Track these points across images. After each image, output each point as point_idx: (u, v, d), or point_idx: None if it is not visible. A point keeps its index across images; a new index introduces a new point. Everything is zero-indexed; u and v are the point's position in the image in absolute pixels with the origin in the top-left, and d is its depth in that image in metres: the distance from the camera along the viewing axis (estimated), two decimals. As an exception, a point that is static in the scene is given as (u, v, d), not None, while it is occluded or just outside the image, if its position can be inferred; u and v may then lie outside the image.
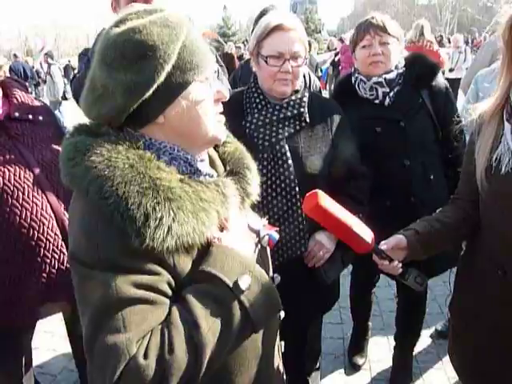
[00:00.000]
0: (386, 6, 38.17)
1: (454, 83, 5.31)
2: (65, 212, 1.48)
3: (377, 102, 1.75)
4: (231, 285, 0.77)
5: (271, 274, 1.04)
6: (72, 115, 7.40)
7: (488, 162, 1.15)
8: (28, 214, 1.41)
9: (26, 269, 1.45)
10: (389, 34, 1.67)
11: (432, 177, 1.75)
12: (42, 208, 1.44)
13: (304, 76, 2.21)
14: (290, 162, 1.39)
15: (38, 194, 1.44)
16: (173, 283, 0.77)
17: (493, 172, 1.13)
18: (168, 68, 0.76)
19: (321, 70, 9.50)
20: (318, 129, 1.47)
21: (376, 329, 2.50)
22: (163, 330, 0.72)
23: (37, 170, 1.45)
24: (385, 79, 1.71)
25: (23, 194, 1.41)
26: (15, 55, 12.16)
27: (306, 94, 1.48)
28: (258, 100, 1.47)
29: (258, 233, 0.98)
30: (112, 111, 0.78)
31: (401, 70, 1.76)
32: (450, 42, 10.58)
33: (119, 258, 0.73)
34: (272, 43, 1.39)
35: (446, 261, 1.63)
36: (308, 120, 1.45)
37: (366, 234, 1.15)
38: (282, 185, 1.39)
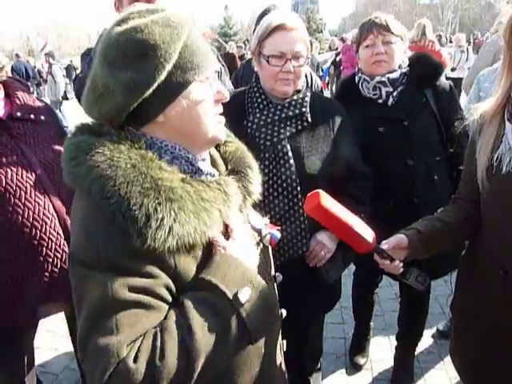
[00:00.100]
0: (388, 6, 38.13)
1: (456, 83, 5.28)
2: (67, 211, 1.48)
3: (380, 101, 1.75)
4: (231, 297, 0.77)
5: (273, 272, 1.04)
6: (73, 115, 7.44)
7: (489, 162, 1.15)
8: (30, 213, 1.42)
9: (28, 268, 1.45)
10: (392, 33, 1.67)
11: (436, 177, 1.73)
12: (44, 207, 1.45)
13: (306, 76, 2.20)
14: (291, 161, 1.39)
15: (40, 193, 1.44)
16: (172, 287, 0.77)
17: (494, 172, 1.13)
18: (169, 67, 0.76)
19: (322, 70, 9.51)
20: (320, 129, 1.47)
21: (377, 329, 2.50)
22: (156, 335, 0.72)
23: (39, 170, 1.46)
24: (388, 79, 1.70)
25: (25, 193, 1.41)
26: (17, 55, 12.17)
27: (308, 94, 1.48)
28: (259, 100, 1.47)
29: (259, 232, 0.98)
30: (112, 110, 0.78)
31: (404, 70, 1.75)
32: (451, 41, 10.56)
33: (119, 259, 0.73)
34: (274, 43, 1.39)
35: (449, 263, 1.62)
36: (310, 120, 1.45)
37: (367, 233, 1.15)
38: (284, 184, 1.39)
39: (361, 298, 2.33)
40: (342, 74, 8.15)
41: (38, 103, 1.61)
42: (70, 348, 2.06)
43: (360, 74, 1.78)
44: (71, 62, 19.20)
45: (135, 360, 0.69)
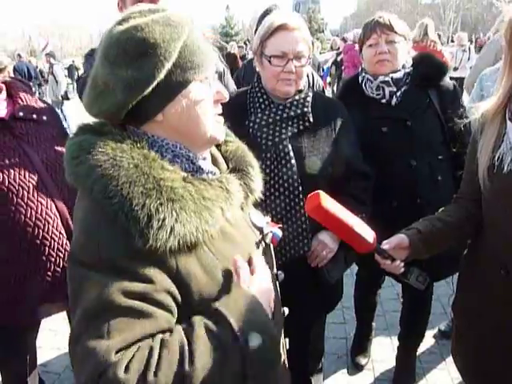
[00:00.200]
0: (390, 5, 38.11)
1: (458, 82, 5.28)
2: (69, 211, 1.48)
3: (383, 101, 1.74)
4: (241, 340, 0.74)
5: (275, 271, 1.04)
6: (74, 115, 7.45)
7: (490, 161, 1.15)
8: (33, 212, 1.42)
9: (31, 267, 1.46)
10: (395, 32, 1.66)
11: (439, 178, 1.72)
12: (46, 207, 1.45)
13: (307, 76, 2.20)
14: (293, 161, 1.39)
15: (42, 193, 1.45)
16: (175, 291, 0.76)
17: (495, 171, 1.13)
18: (168, 66, 0.76)
19: (322, 70, 9.51)
20: (322, 129, 1.47)
21: (379, 329, 2.50)
22: (153, 349, 0.70)
23: (41, 169, 1.47)
24: (392, 78, 1.69)
25: (28, 193, 1.42)
26: (19, 55, 12.20)
27: (310, 94, 1.48)
28: (261, 100, 1.47)
29: (261, 230, 0.98)
30: (112, 107, 0.78)
31: (408, 70, 1.74)
32: (452, 40, 10.51)
33: (120, 259, 0.72)
34: (275, 43, 1.39)
35: (451, 264, 1.62)
36: (311, 120, 1.45)
37: (368, 233, 1.15)
38: (285, 184, 1.39)
39: (363, 299, 2.33)
40: (343, 74, 8.14)
41: (40, 103, 1.62)
42: (72, 347, 2.06)
43: (363, 74, 1.78)
44: (73, 62, 19.27)
45: (126, 370, 0.66)
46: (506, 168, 1.11)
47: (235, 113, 1.34)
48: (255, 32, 1.76)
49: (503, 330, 1.18)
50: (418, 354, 2.22)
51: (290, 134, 1.42)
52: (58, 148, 1.54)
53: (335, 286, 1.58)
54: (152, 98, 0.77)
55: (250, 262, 0.87)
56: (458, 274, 1.44)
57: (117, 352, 0.68)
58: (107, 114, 0.80)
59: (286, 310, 1.05)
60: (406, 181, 1.70)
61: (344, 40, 8.87)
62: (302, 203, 1.39)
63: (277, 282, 1.04)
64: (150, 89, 0.76)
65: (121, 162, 0.74)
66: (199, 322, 0.75)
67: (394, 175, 1.68)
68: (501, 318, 1.18)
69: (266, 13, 2.26)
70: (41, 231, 1.44)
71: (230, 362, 0.73)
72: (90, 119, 0.86)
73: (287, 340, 1.09)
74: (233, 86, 2.13)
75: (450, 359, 2.00)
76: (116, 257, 0.73)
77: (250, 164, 0.96)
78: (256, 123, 1.43)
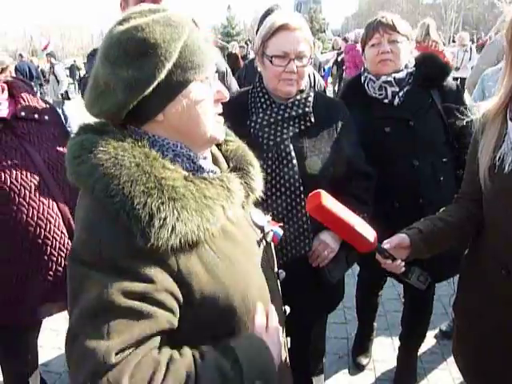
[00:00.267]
0: (391, 5, 38.03)
1: (459, 82, 5.25)
2: (71, 210, 1.49)
3: (386, 101, 1.74)
4: None
5: (276, 269, 1.04)
6: (75, 115, 7.46)
7: (491, 161, 1.15)
8: (35, 212, 1.43)
9: (32, 267, 1.46)
10: (398, 32, 1.66)
11: (441, 178, 1.72)
12: (48, 206, 1.45)
13: (309, 76, 2.20)
14: (294, 161, 1.39)
15: (44, 192, 1.45)
16: (176, 291, 0.76)
17: (496, 171, 1.13)
18: (169, 66, 0.77)
19: (323, 70, 9.51)
20: (323, 129, 1.47)
21: (380, 329, 2.50)
22: (161, 365, 0.70)
23: (43, 169, 1.47)
24: (394, 78, 1.69)
25: (30, 192, 1.42)
26: (21, 55, 12.21)
27: (311, 94, 1.48)
28: (262, 100, 1.47)
29: (262, 229, 0.99)
30: (113, 107, 0.78)
31: (410, 70, 1.74)
32: (454, 40, 10.47)
33: (121, 258, 0.73)
34: (277, 43, 1.39)
35: (453, 265, 1.61)
36: (313, 120, 1.45)
37: (369, 233, 1.15)
38: (287, 184, 1.39)
39: (365, 300, 2.33)
40: (344, 74, 8.13)
41: (42, 103, 1.62)
42: (73, 347, 2.06)
43: (366, 74, 1.77)
44: (74, 61, 19.29)
45: (131, 378, 0.67)
46: (506, 168, 1.11)
47: (237, 112, 1.34)
48: (256, 32, 1.76)
49: (504, 330, 1.18)
50: (419, 354, 2.22)
51: (291, 133, 1.42)
52: (60, 148, 1.54)
53: (336, 286, 1.58)
54: (152, 97, 0.77)
55: (266, 314, 0.89)
56: (459, 273, 1.44)
57: (116, 353, 0.68)
58: (108, 113, 0.81)
59: (288, 309, 1.06)
60: (408, 181, 1.70)
61: (345, 40, 8.86)
62: (303, 203, 1.39)
63: (278, 281, 1.04)
64: (151, 89, 0.76)
65: (122, 160, 0.75)
66: (211, 354, 0.76)
67: (397, 175, 1.68)
68: (502, 318, 1.18)
69: (268, 13, 2.26)
70: (42, 231, 1.44)
71: None
72: (91, 119, 0.86)
73: (289, 339, 1.09)
74: (236, 86, 2.13)
75: (451, 359, 2.00)
76: (117, 255, 0.73)
77: (250, 163, 0.97)
78: (257, 123, 1.43)
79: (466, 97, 1.82)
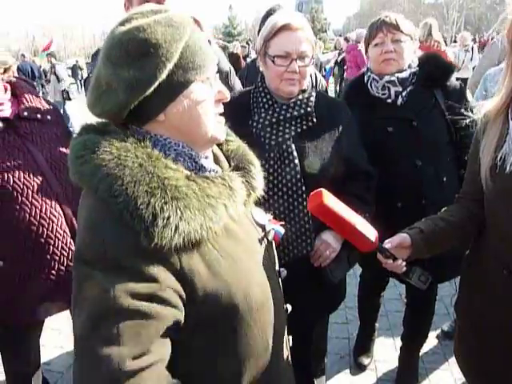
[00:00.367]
0: (393, 5, 38.00)
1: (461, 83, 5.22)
2: (73, 210, 1.49)
3: (389, 101, 1.73)
4: None
5: (277, 268, 1.04)
6: (76, 115, 7.47)
7: (493, 161, 1.15)
8: (37, 211, 1.43)
9: (35, 266, 1.47)
10: (402, 31, 1.65)
11: (445, 178, 1.71)
12: (51, 206, 1.46)
13: (310, 76, 2.20)
14: (296, 161, 1.39)
15: (47, 192, 1.46)
16: (180, 289, 0.77)
17: (497, 171, 1.13)
18: (170, 66, 0.77)
19: (325, 70, 9.51)
20: (325, 129, 1.47)
21: (382, 329, 2.50)
22: None
23: (46, 169, 1.47)
24: (397, 78, 1.69)
25: (33, 192, 1.43)
26: (23, 55, 12.24)
27: (313, 94, 1.48)
28: (265, 100, 1.47)
29: (263, 227, 0.99)
30: (115, 107, 0.79)
31: (414, 70, 1.73)
32: (455, 41, 10.41)
33: (125, 257, 0.73)
34: (279, 43, 1.39)
35: (455, 266, 1.61)
36: (315, 120, 1.45)
37: (370, 232, 1.15)
38: (289, 184, 1.39)
39: (367, 300, 2.32)
40: (345, 74, 8.12)
41: (45, 103, 1.63)
42: (75, 346, 2.07)
43: (369, 74, 1.77)
44: (77, 61, 19.32)
45: None
46: (508, 168, 1.11)
47: (239, 112, 1.35)
48: (258, 32, 1.77)
49: (505, 330, 1.18)
50: (420, 354, 2.22)
51: (293, 133, 1.42)
52: (62, 147, 1.55)
53: (338, 285, 1.58)
54: (154, 98, 0.78)
55: None
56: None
57: (131, 359, 0.69)
58: (110, 113, 0.81)
59: (289, 307, 1.06)
60: (411, 181, 1.69)
61: (346, 40, 8.85)
62: (304, 203, 1.39)
63: (279, 279, 1.05)
64: (152, 89, 0.76)
65: (125, 161, 0.75)
66: None
67: (400, 175, 1.68)
68: (503, 318, 1.18)
69: (270, 13, 2.27)
70: (45, 230, 1.45)
71: None
72: (93, 119, 0.87)
73: (290, 337, 1.10)
74: (239, 86, 2.13)
75: (452, 360, 2.00)
76: (121, 255, 0.73)
77: (251, 162, 0.97)
78: (259, 123, 1.43)
79: (468, 97, 1.81)
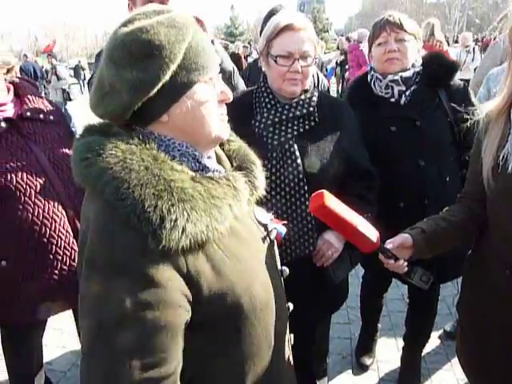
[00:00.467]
0: (395, 5, 37.90)
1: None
2: (76, 209, 1.49)
3: (392, 100, 1.73)
4: None
5: (279, 267, 1.05)
6: (79, 115, 7.48)
7: (494, 161, 1.15)
8: (40, 211, 1.43)
9: (38, 266, 1.47)
10: (405, 31, 1.65)
11: (447, 179, 1.71)
12: (53, 206, 1.46)
13: (312, 75, 2.20)
14: (298, 161, 1.39)
15: (49, 192, 1.46)
16: (186, 291, 0.77)
17: (499, 171, 1.13)
18: (173, 67, 0.77)
19: (326, 70, 9.51)
20: (327, 128, 1.47)
21: (384, 329, 2.49)
22: None
23: (48, 169, 1.48)
24: (401, 77, 1.68)
25: (35, 191, 1.43)
26: (25, 55, 12.27)
27: (316, 94, 1.48)
28: (267, 99, 1.47)
29: (265, 226, 0.99)
30: (118, 108, 0.79)
31: (418, 69, 1.72)
32: (456, 41, 10.36)
33: (133, 260, 0.73)
34: (281, 43, 1.39)
35: (458, 266, 1.61)
36: (317, 119, 1.45)
37: (372, 233, 1.15)
38: (291, 184, 1.39)
39: (369, 301, 2.32)
40: (346, 74, 8.11)
41: (47, 104, 1.63)
42: (77, 346, 2.08)
43: (372, 73, 1.77)
44: (79, 62, 19.35)
45: None
46: (510, 168, 1.11)
47: (241, 112, 1.35)
48: (260, 32, 1.77)
49: (507, 329, 1.18)
50: (423, 354, 2.21)
51: (295, 133, 1.43)
52: (65, 147, 1.55)
53: (340, 285, 1.58)
54: (157, 99, 0.78)
55: None
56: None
57: (142, 370, 0.70)
58: (113, 114, 0.81)
59: (291, 306, 1.06)
60: (414, 181, 1.69)
61: (348, 39, 8.84)
62: (307, 203, 1.39)
63: (281, 278, 1.05)
64: (155, 90, 0.77)
65: (131, 164, 0.75)
66: None
67: (402, 175, 1.67)
68: (505, 317, 1.18)
69: (272, 13, 2.27)
70: (48, 230, 1.45)
71: None
72: (95, 119, 0.86)
73: (292, 336, 1.09)
74: (243, 86, 2.14)
75: (455, 360, 2.00)
76: (129, 258, 0.73)
77: (253, 162, 0.98)
78: (262, 123, 1.43)
79: (471, 97, 1.80)
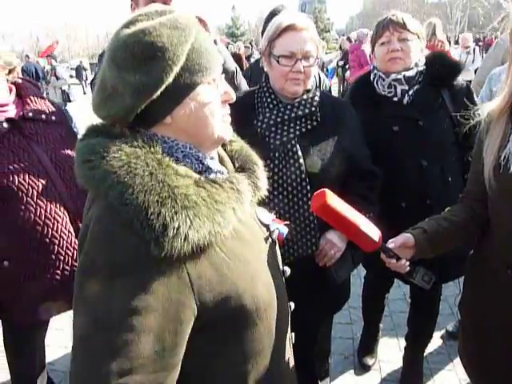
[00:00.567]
0: (396, 5, 37.86)
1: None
2: (78, 210, 1.50)
3: (395, 99, 1.72)
4: None
5: (281, 267, 1.05)
6: (81, 116, 7.46)
7: (496, 161, 1.15)
8: (42, 211, 1.44)
9: (40, 266, 1.47)
10: (408, 30, 1.65)
11: (450, 179, 1.70)
12: (55, 206, 1.47)
13: (314, 76, 2.21)
14: (301, 161, 1.39)
15: (51, 192, 1.47)
16: (188, 295, 0.76)
17: (501, 171, 1.13)
18: (177, 69, 0.76)
19: (327, 70, 9.51)
20: (329, 128, 1.47)
21: (386, 329, 2.49)
22: None
23: (50, 169, 1.48)
24: (404, 76, 1.68)
25: (38, 192, 1.43)
26: (27, 56, 12.29)
27: (318, 94, 1.48)
28: (269, 99, 1.48)
29: (268, 227, 0.99)
30: (121, 111, 0.78)
31: (421, 68, 1.72)
32: (457, 42, 10.32)
33: (134, 265, 0.72)
34: (284, 43, 1.39)
35: (460, 266, 1.60)
36: (319, 119, 1.45)
37: (374, 232, 1.15)
38: (294, 184, 1.39)
39: (371, 301, 2.32)
40: (347, 74, 8.10)
41: (49, 104, 1.64)
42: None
43: (375, 72, 1.76)
44: (81, 62, 19.36)
45: None
46: (511, 168, 1.11)
47: (243, 112, 1.35)
48: (262, 32, 1.77)
49: (509, 329, 1.18)
50: (425, 354, 2.21)
51: (297, 133, 1.43)
52: (67, 148, 1.56)
53: (342, 285, 1.58)
54: (160, 101, 0.77)
55: None
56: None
57: (117, 376, 0.69)
58: (116, 117, 0.80)
59: (292, 305, 1.06)
60: (416, 181, 1.68)
61: (349, 40, 8.84)
62: (309, 203, 1.39)
63: (283, 278, 1.05)
64: (159, 92, 0.76)
65: (135, 169, 0.74)
66: None
67: (405, 175, 1.67)
68: (506, 317, 1.18)
69: (273, 13, 2.27)
70: (50, 230, 1.46)
71: None
72: (92, 120, 0.86)
73: (293, 334, 1.09)
74: (245, 85, 2.14)
75: (457, 360, 1.99)
76: (131, 263, 0.72)
77: (255, 163, 0.97)
78: (264, 123, 1.43)
79: (474, 97, 1.80)
